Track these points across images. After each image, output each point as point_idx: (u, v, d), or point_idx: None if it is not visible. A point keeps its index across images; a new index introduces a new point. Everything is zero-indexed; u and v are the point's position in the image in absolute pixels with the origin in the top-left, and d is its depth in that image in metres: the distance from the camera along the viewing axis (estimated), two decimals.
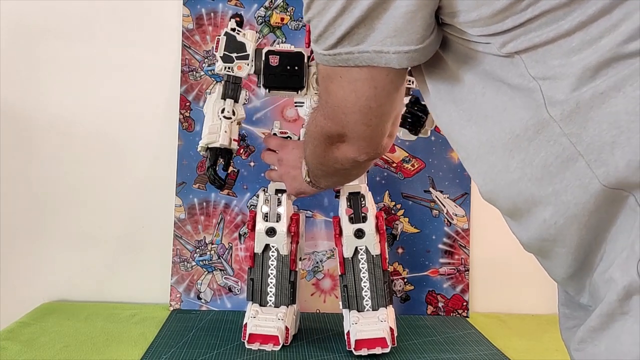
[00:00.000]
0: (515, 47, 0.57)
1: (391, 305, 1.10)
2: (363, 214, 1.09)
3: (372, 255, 1.09)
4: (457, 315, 1.35)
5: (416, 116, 1.08)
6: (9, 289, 1.35)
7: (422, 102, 1.09)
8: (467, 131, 0.63)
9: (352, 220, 1.09)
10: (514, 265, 1.40)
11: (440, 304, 1.36)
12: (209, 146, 1.07)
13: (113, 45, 1.35)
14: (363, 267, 1.10)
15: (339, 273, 1.11)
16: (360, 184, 1.12)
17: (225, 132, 1.07)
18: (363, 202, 1.10)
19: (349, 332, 1.07)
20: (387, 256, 1.12)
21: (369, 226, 1.09)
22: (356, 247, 1.09)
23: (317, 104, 0.75)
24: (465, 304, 1.36)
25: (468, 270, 1.37)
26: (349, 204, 1.10)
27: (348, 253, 1.09)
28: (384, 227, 1.11)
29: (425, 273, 1.36)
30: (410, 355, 1.10)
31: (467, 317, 1.35)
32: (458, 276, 1.36)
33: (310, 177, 0.96)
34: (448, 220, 1.36)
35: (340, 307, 1.11)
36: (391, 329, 1.07)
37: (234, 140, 1.09)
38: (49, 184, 1.36)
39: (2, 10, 1.33)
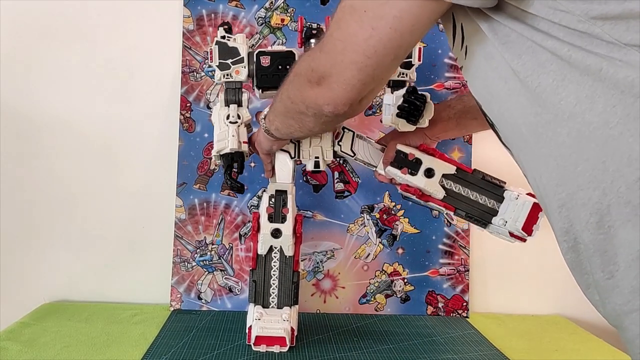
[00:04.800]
0: (602, 14, 0.57)
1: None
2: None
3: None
4: (457, 315, 1.36)
5: (414, 105, 1.07)
6: (10, 289, 1.35)
7: (419, 92, 1.09)
8: (561, 90, 0.61)
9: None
10: (514, 265, 1.41)
11: (440, 304, 1.36)
12: (221, 153, 1.08)
13: (114, 46, 1.35)
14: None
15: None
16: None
17: (233, 136, 1.07)
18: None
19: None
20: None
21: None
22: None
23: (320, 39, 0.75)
24: (465, 304, 1.36)
25: (468, 270, 1.37)
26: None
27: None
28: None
29: (425, 273, 1.36)
30: (410, 355, 1.10)
31: (467, 317, 1.35)
32: (458, 276, 1.36)
33: (269, 113, 0.97)
34: (448, 221, 1.37)
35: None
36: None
37: (244, 142, 1.09)
38: (50, 184, 1.36)
39: (2, 10, 1.33)
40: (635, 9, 0.56)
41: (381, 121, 1.35)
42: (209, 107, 1.34)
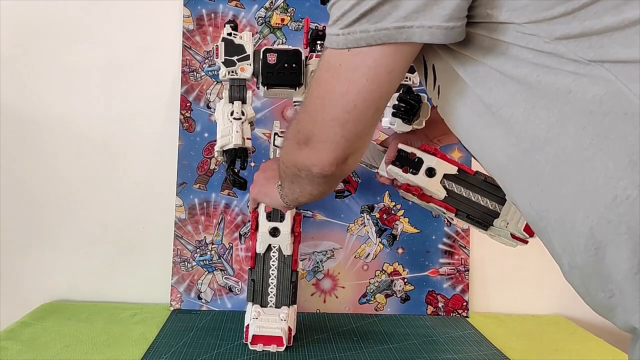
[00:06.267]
0: (565, 34, 0.58)
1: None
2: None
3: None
4: (457, 315, 1.36)
5: (409, 104, 1.08)
6: (10, 289, 1.35)
7: (415, 93, 1.09)
8: (533, 118, 0.61)
9: None
10: (514, 265, 1.41)
11: (440, 304, 1.36)
12: (224, 149, 1.07)
13: (114, 45, 1.35)
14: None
15: None
16: None
17: (237, 132, 1.07)
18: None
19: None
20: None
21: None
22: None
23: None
24: (465, 304, 1.36)
25: (468, 270, 1.37)
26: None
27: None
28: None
29: (425, 273, 1.36)
30: (410, 355, 1.10)
31: (467, 317, 1.35)
32: (458, 276, 1.36)
33: (280, 178, 0.95)
34: (448, 221, 1.37)
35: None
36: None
37: (248, 139, 1.09)
38: (50, 183, 1.36)
39: (2, 10, 1.33)
40: (594, 27, 0.57)
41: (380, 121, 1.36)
42: (209, 107, 1.34)
